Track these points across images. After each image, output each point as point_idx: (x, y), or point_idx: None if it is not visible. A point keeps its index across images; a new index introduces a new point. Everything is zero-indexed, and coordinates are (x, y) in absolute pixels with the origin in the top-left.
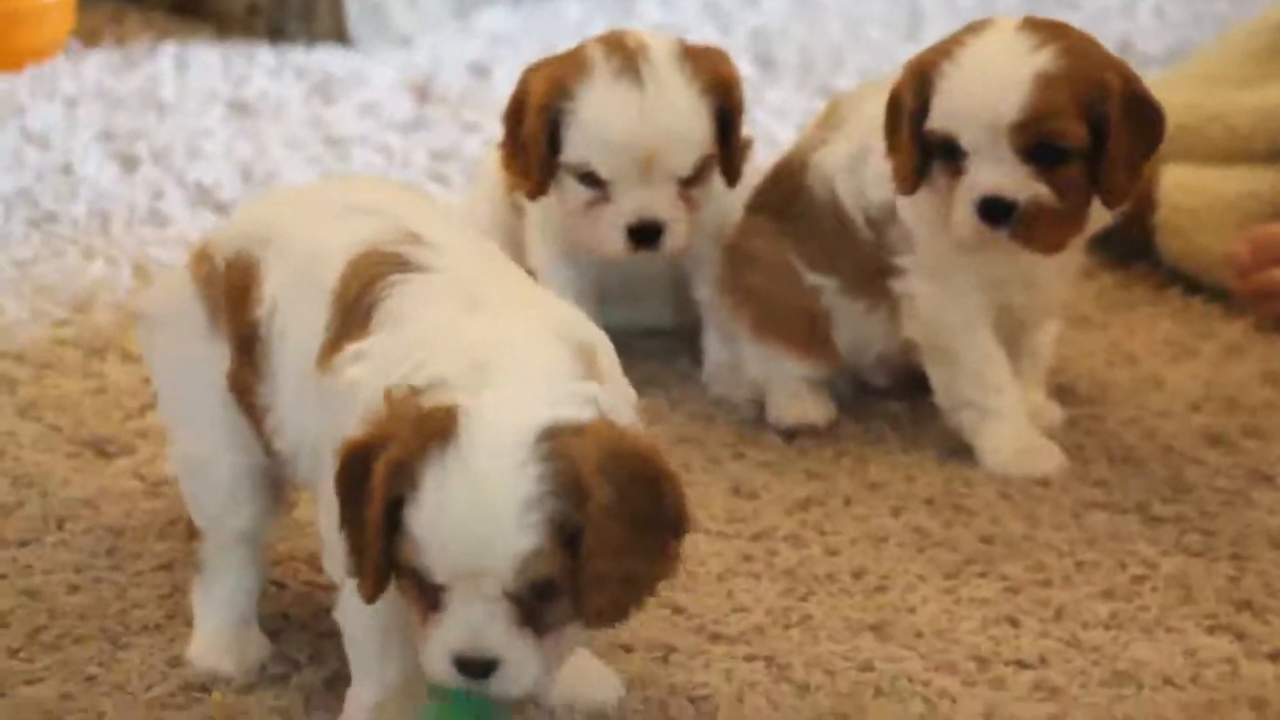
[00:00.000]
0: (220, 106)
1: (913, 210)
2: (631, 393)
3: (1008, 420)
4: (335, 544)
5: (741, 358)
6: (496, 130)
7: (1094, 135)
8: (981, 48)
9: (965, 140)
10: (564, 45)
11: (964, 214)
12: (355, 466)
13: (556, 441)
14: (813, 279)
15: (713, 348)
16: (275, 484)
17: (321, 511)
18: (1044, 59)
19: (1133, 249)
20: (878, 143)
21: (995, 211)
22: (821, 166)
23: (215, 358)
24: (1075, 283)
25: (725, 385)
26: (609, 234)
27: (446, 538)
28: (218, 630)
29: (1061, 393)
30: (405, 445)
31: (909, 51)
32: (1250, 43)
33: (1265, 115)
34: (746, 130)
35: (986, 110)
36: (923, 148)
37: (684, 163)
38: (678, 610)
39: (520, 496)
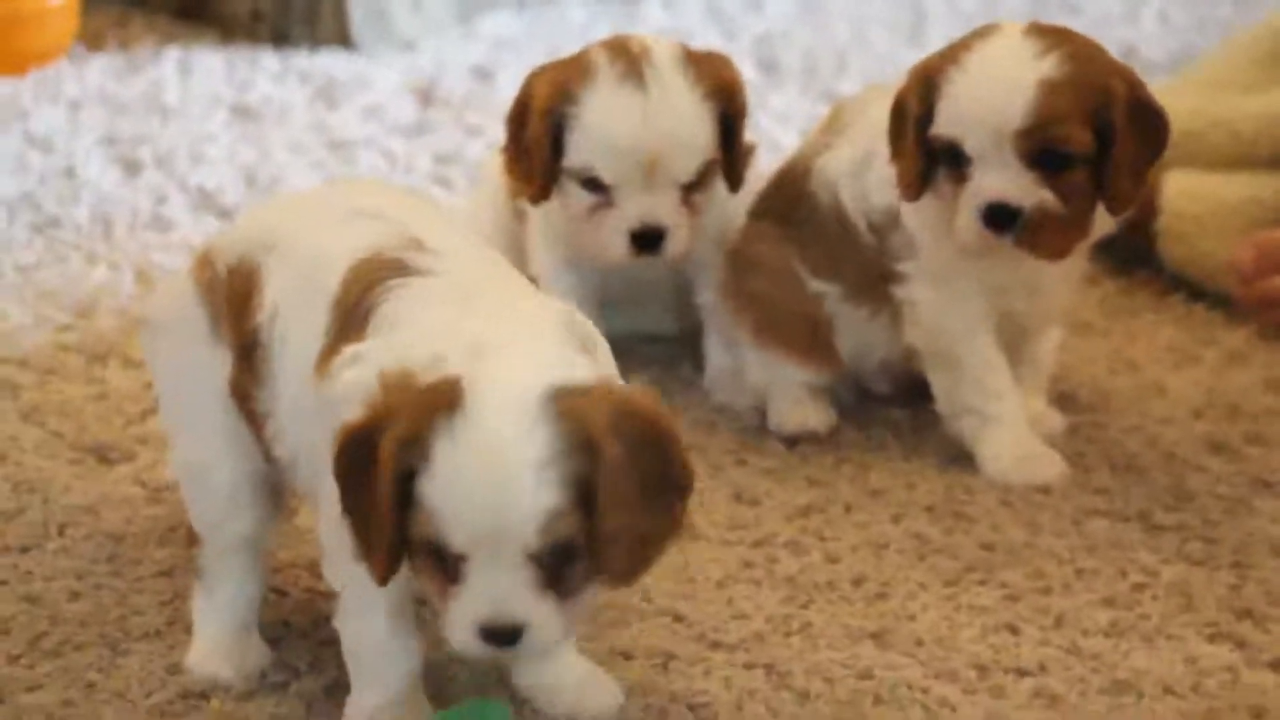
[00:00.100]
0: (224, 111)
1: (916, 216)
2: None
3: (1009, 427)
4: (335, 550)
5: (743, 364)
6: (500, 134)
7: (1099, 141)
8: (987, 53)
9: (970, 146)
10: (567, 49)
11: (968, 220)
12: (356, 450)
13: (565, 401)
14: (815, 285)
15: (715, 354)
16: (276, 491)
17: (321, 518)
18: (1049, 65)
19: (1135, 255)
20: (881, 148)
21: (1000, 218)
22: (825, 172)
23: (217, 364)
24: (1078, 289)
25: (727, 392)
26: (611, 239)
27: (465, 504)
28: (218, 637)
29: (1063, 400)
30: (411, 419)
31: (913, 56)
32: (1254, 48)
33: (1269, 121)
34: (749, 135)
35: (991, 116)
36: (927, 153)
37: (687, 168)
38: (678, 617)
39: (536, 456)
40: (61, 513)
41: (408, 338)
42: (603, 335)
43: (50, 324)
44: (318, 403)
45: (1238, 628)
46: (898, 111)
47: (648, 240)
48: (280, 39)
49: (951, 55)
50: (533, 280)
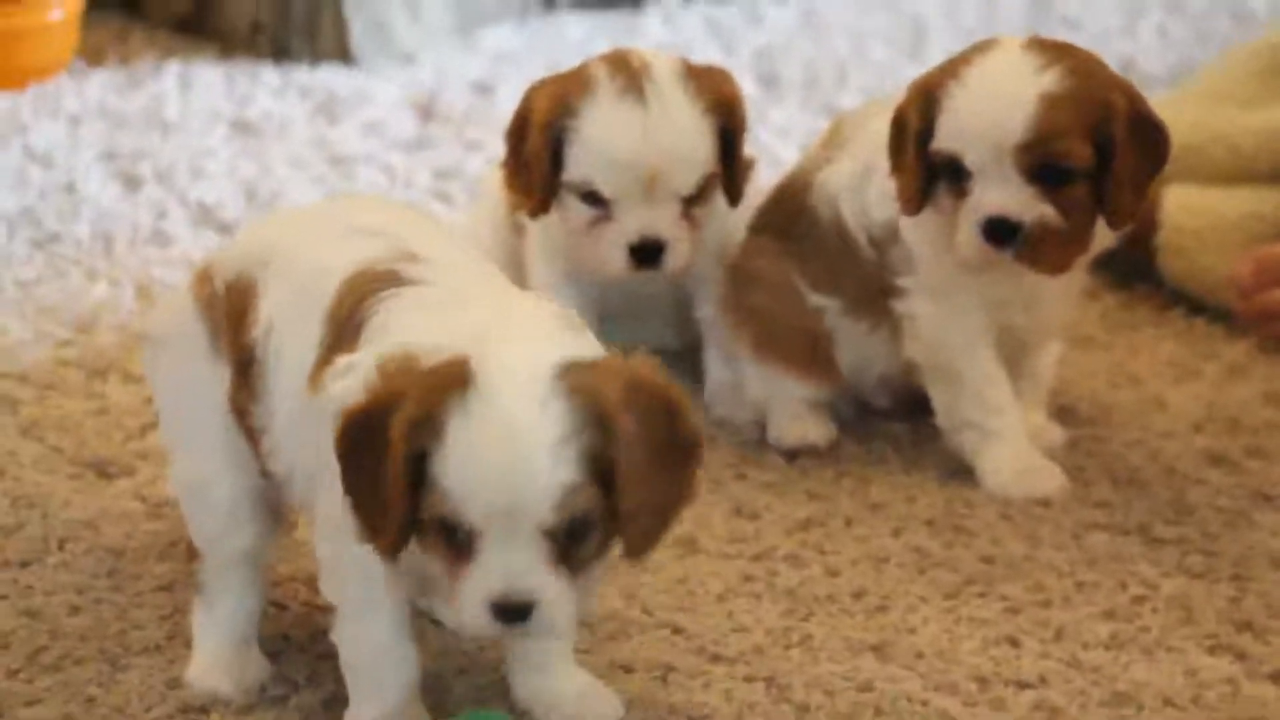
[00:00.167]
0: (224, 126)
1: (915, 230)
2: None
3: (1009, 441)
4: (332, 566)
5: (743, 378)
6: (500, 149)
7: (1099, 156)
8: (987, 68)
9: (970, 160)
10: (567, 63)
11: (969, 235)
12: (359, 432)
13: (575, 377)
14: (815, 299)
15: (714, 368)
16: (275, 505)
17: (318, 532)
18: (1049, 80)
19: (1135, 270)
20: (882, 162)
21: (1000, 232)
22: (825, 186)
23: (216, 379)
24: (1078, 304)
25: (727, 405)
26: (611, 253)
27: (482, 482)
28: (217, 651)
29: (1063, 413)
30: (421, 399)
31: (913, 71)
32: (1253, 62)
33: (1269, 135)
34: (749, 150)
35: (992, 131)
36: (928, 168)
37: (686, 182)
38: (678, 630)
39: (552, 432)
40: (61, 527)
41: (403, 340)
42: (602, 350)
43: (50, 339)
44: (312, 414)
45: (1238, 640)
46: (898, 126)
47: (647, 254)
48: (280, 53)
49: (951, 70)
50: None
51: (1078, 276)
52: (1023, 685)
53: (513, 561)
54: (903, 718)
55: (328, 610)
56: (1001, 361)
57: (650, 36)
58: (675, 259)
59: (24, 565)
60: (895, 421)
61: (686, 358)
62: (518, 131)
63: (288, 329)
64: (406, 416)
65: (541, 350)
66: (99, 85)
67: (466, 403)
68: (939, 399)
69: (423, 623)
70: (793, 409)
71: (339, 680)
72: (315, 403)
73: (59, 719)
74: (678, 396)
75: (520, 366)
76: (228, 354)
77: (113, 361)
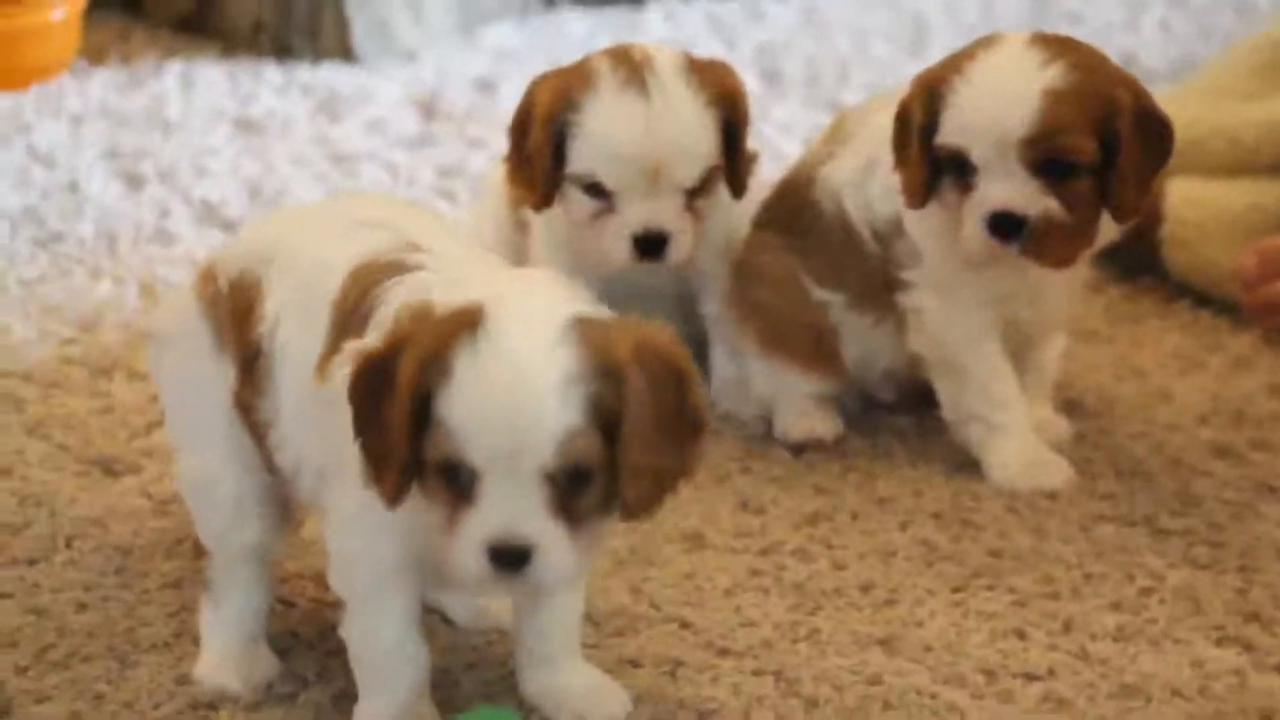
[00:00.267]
0: (226, 124)
1: (920, 225)
2: None
3: (1015, 434)
4: (342, 560)
5: (749, 373)
6: (503, 146)
7: (1104, 150)
8: (992, 63)
9: (975, 155)
10: (569, 60)
11: (974, 229)
12: (373, 375)
13: (587, 329)
14: (820, 294)
15: (720, 363)
16: (282, 502)
17: (327, 526)
18: (1054, 74)
19: (1140, 263)
20: (885, 157)
21: (1005, 227)
22: (828, 181)
23: (221, 377)
24: (1082, 297)
25: (732, 400)
26: (614, 244)
27: (485, 419)
28: (225, 648)
29: (1069, 406)
30: (433, 339)
31: (914, 66)
32: (1255, 57)
33: (1270, 128)
34: (752, 144)
35: (997, 125)
36: (932, 162)
37: (689, 174)
38: (685, 625)
39: (559, 375)
40: (68, 525)
41: None
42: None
43: (55, 338)
44: (319, 406)
45: (1245, 631)
46: (901, 120)
47: (650, 245)
48: (282, 52)
49: (955, 65)
50: None
51: (1081, 270)
52: (1031, 677)
53: (512, 505)
54: (911, 711)
55: (336, 607)
56: (1006, 355)
57: (652, 33)
58: (678, 251)
59: (31, 563)
60: (901, 415)
61: (691, 353)
62: (520, 126)
63: (294, 324)
64: (416, 354)
65: (554, 304)
66: (101, 84)
67: (475, 343)
68: (944, 393)
69: (432, 619)
70: (799, 404)
71: (348, 676)
72: (323, 393)
73: (67, 716)
74: (688, 365)
75: (532, 314)
76: (233, 351)
77: (117, 360)
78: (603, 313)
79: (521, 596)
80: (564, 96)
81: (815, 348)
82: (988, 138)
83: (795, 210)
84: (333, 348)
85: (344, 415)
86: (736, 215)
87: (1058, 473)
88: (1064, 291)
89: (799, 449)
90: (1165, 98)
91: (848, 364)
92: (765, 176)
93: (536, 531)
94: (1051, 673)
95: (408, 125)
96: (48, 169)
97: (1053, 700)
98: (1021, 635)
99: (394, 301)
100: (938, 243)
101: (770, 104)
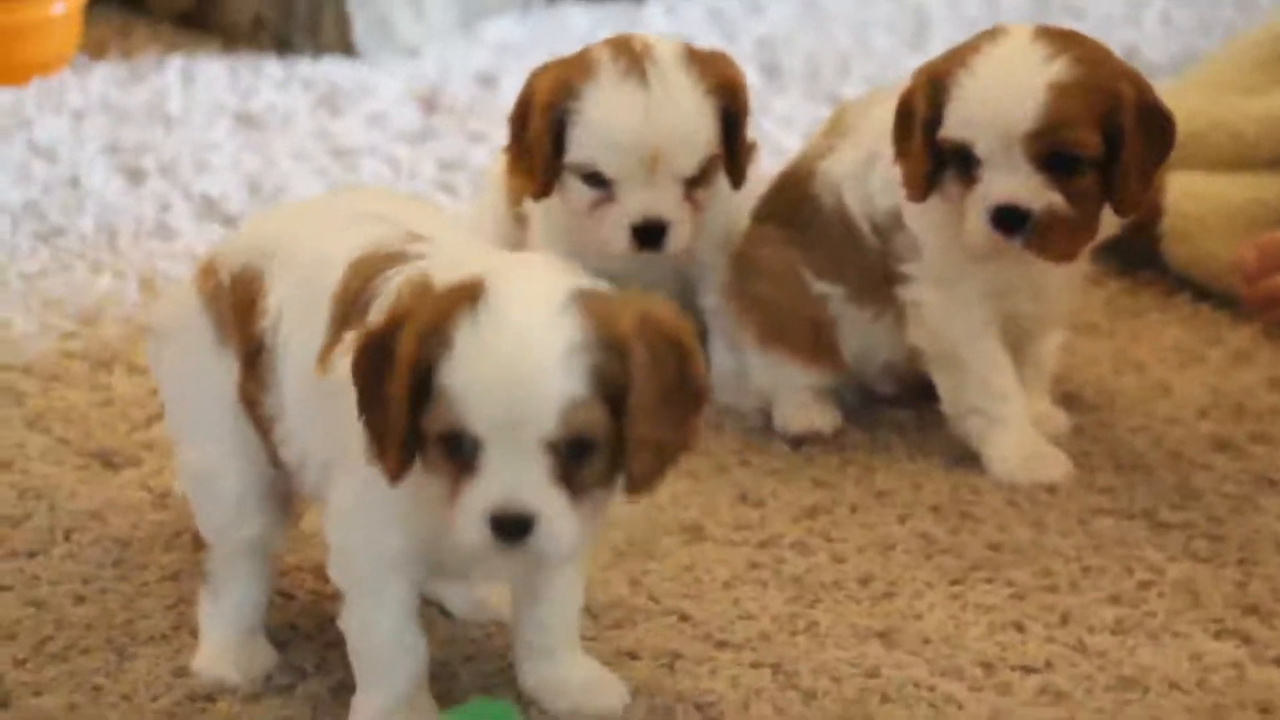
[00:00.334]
0: (227, 119)
1: (920, 218)
2: None
3: (1014, 428)
4: (342, 552)
5: (748, 366)
6: (503, 141)
7: (1107, 144)
8: (997, 56)
9: (980, 149)
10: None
11: (977, 223)
12: (376, 351)
13: (590, 301)
14: (819, 287)
15: (719, 356)
16: (282, 495)
17: (329, 520)
18: (1059, 68)
19: (1140, 256)
20: (885, 150)
21: (1009, 220)
22: (828, 174)
23: (223, 371)
24: (1081, 291)
25: (732, 393)
26: (614, 234)
27: (487, 387)
28: (224, 641)
29: (1068, 400)
30: (433, 312)
31: (915, 60)
32: (1256, 50)
33: (1271, 122)
34: (751, 135)
35: (1002, 119)
36: (935, 155)
37: (688, 162)
38: (684, 617)
39: (561, 344)
40: (67, 518)
41: None
42: None
43: (55, 331)
44: (321, 397)
45: (1244, 624)
46: (904, 112)
47: (649, 235)
48: (283, 46)
49: (959, 58)
50: None
51: (1081, 264)
52: (1029, 670)
53: (514, 475)
54: (909, 703)
55: (335, 599)
56: (1005, 349)
57: (652, 27)
58: (677, 241)
59: (31, 555)
60: (900, 408)
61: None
62: (521, 115)
63: (296, 317)
64: (416, 327)
65: (555, 278)
66: (102, 79)
67: (476, 315)
68: (944, 386)
69: (430, 612)
70: (798, 397)
71: (347, 668)
72: (324, 385)
73: (65, 708)
74: (690, 338)
75: (534, 287)
76: (235, 345)
77: (117, 353)
78: (604, 287)
79: (522, 570)
80: (564, 85)
81: (814, 341)
82: (993, 131)
83: (795, 203)
84: (334, 339)
85: (345, 407)
86: (736, 207)
87: (1057, 466)
88: (1064, 285)
89: (798, 442)
90: (1166, 91)
91: (846, 357)
92: (765, 170)
93: (539, 501)
94: (1049, 665)
95: (409, 120)
96: (49, 164)
97: (1051, 693)
98: (1020, 628)
99: (395, 290)
100: (938, 236)
101: (770, 98)
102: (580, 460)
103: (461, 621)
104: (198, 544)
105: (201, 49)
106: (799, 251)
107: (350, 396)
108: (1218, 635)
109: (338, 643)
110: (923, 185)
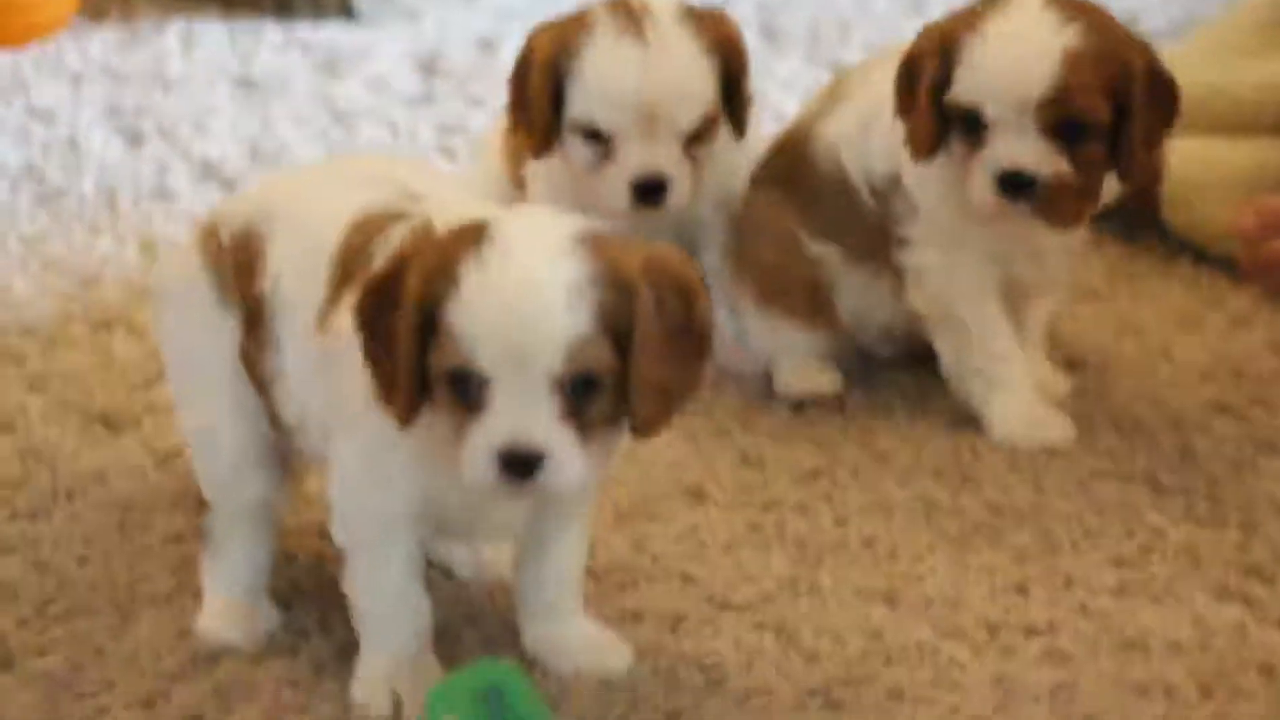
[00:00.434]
0: (227, 82)
1: (919, 181)
2: None
3: (1015, 390)
4: (345, 512)
5: (748, 328)
6: (503, 105)
7: (1115, 113)
8: (1009, 22)
9: (989, 113)
10: None
11: (983, 187)
12: (381, 295)
13: (596, 243)
14: (816, 249)
15: (720, 318)
16: (284, 456)
17: (331, 480)
18: (1071, 35)
19: (1140, 221)
20: (884, 114)
21: (1016, 186)
22: (827, 137)
23: (224, 331)
24: (1081, 256)
25: (732, 356)
26: (613, 192)
27: (495, 323)
28: (226, 602)
29: (1069, 364)
30: (438, 254)
31: (915, 24)
32: (1256, 15)
33: (1271, 87)
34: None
35: (1015, 85)
36: (940, 117)
37: (687, 118)
38: (687, 579)
39: (567, 281)
40: (69, 480)
41: None
42: None
43: (55, 294)
44: (321, 356)
45: (1245, 586)
46: (909, 70)
47: (649, 192)
48: (283, 10)
49: (969, 21)
50: None
51: (1080, 229)
52: (1031, 632)
53: (522, 412)
54: (912, 665)
55: (338, 560)
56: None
57: None
58: (677, 197)
59: (33, 517)
60: (901, 371)
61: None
62: (520, 74)
63: (297, 277)
64: (421, 268)
65: (560, 220)
66: (101, 43)
67: (482, 254)
68: (944, 349)
69: (434, 573)
70: (798, 359)
71: (350, 630)
72: (325, 344)
73: (69, 669)
74: (696, 281)
75: (539, 227)
76: (236, 306)
77: (118, 315)
78: (610, 230)
79: (527, 519)
80: (563, 43)
81: (811, 302)
82: (1005, 97)
83: (793, 166)
84: (334, 298)
85: (345, 367)
86: (736, 167)
87: (1058, 428)
88: (1063, 250)
89: (799, 404)
90: (1167, 57)
91: (844, 318)
92: (765, 132)
93: (546, 438)
94: (1052, 627)
95: (409, 84)
96: (48, 127)
97: (1053, 655)
98: (1022, 590)
99: (393, 245)
100: (937, 199)
101: (771, 62)
102: (587, 398)
103: (465, 583)
104: (200, 505)
105: (201, 12)
106: (796, 213)
107: (351, 356)
108: (1219, 597)
109: (341, 604)
110: (929, 144)
